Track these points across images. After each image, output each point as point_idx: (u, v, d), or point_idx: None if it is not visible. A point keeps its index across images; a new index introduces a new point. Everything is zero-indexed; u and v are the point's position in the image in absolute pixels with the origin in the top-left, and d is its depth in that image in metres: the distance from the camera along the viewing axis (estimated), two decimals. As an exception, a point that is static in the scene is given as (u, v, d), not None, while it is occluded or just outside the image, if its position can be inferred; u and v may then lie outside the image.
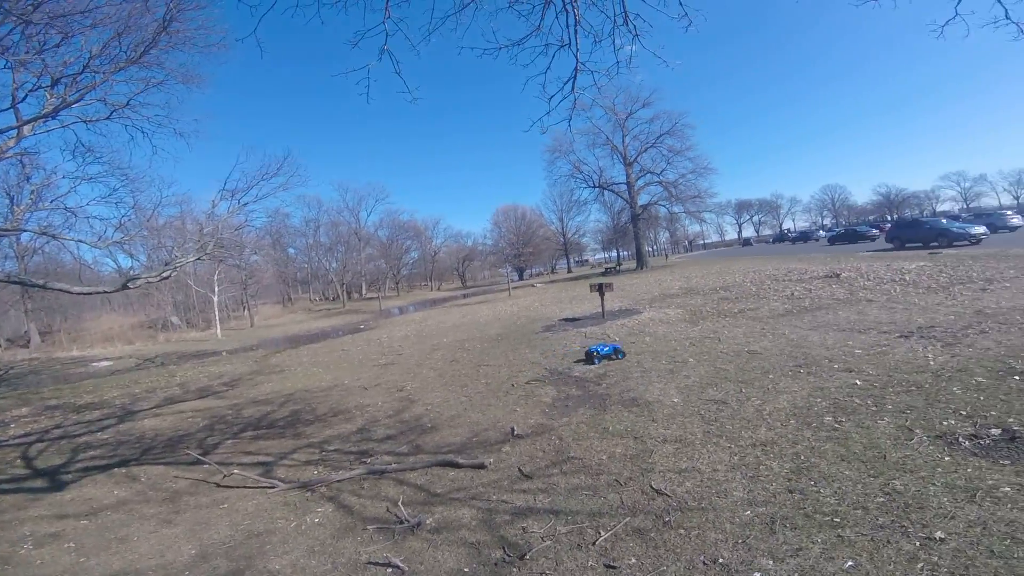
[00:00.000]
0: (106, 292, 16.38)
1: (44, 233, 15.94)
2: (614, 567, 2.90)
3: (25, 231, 15.96)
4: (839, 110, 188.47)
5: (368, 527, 3.86)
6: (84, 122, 14.38)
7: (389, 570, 3.24)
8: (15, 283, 24.66)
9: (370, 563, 3.35)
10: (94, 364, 21.85)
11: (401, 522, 3.85)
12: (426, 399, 7.74)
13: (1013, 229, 30.33)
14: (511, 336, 13.03)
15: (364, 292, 67.44)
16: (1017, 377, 4.83)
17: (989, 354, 5.69)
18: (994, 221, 31.47)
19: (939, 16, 4.55)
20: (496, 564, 3.13)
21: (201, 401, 10.25)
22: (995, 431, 3.79)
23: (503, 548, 3.27)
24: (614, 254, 72.66)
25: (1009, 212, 36.74)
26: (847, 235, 40.73)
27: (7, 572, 3.91)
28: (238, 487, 5.10)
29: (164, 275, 16.10)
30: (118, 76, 12.84)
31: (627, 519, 3.39)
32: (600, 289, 13.68)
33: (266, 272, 49.24)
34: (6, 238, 27.20)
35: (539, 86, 4.64)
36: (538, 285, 42.12)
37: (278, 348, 20.67)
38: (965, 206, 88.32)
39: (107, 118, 14.27)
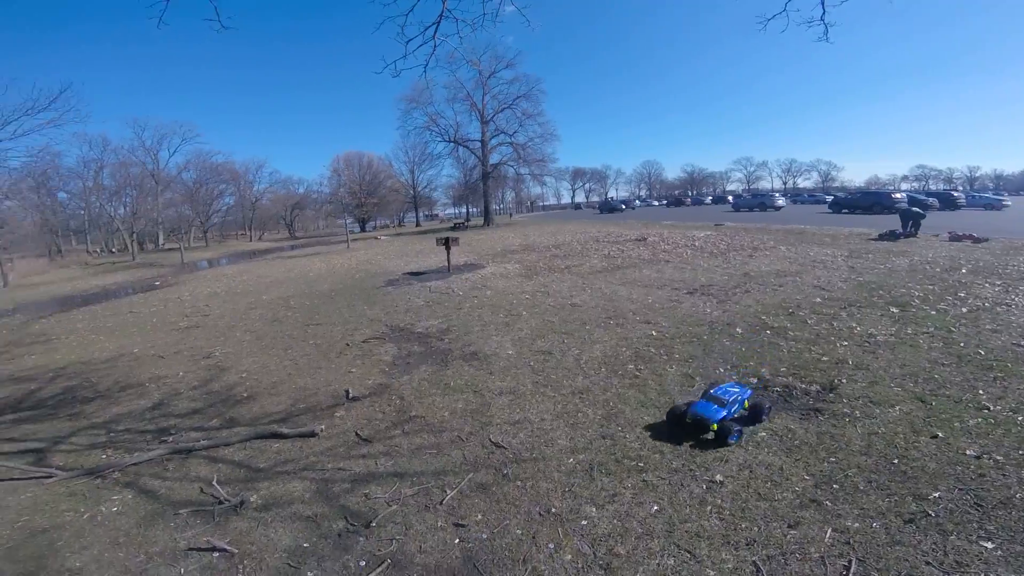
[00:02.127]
0: None
1: None
2: (462, 525, 3.03)
3: None
4: (664, 98, 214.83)
5: (180, 511, 3.42)
6: None
7: (216, 554, 2.96)
8: None
9: (191, 549, 3.02)
10: None
11: (220, 502, 3.50)
12: (240, 366, 6.97)
13: (778, 208, 39.66)
14: (347, 292, 12.36)
15: (161, 243, 57.39)
16: (768, 332, 6.32)
17: (749, 311, 7.31)
18: (764, 201, 41.23)
19: (769, 11, 5.31)
20: (340, 535, 3.05)
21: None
22: (753, 380, 4.93)
23: (345, 518, 3.20)
24: (463, 210, 73.40)
25: (776, 194, 48.70)
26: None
27: None
28: (4, 480, 4.10)
29: None
30: None
31: (470, 475, 3.58)
32: (447, 243, 13.82)
33: (25, 220, 38.21)
34: None
35: (398, 27, 4.32)
36: (382, 238, 40.63)
37: (42, 313, 16.27)
38: (747, 187, 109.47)
39: None
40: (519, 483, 3.44)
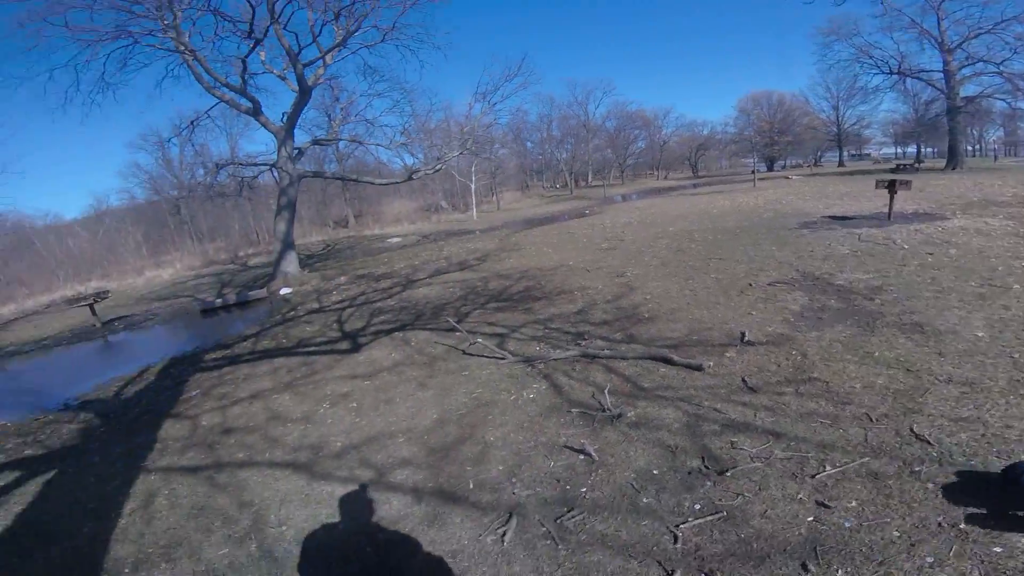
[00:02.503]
0: (396, 183, 20.71)
1: (353, 140, 20.63)
2: (826, 506, 2.60)
3: (340, 140, 20.91)
4: None
5: (572, 410, 4.19)
6: (365, 47, 17.54)
7: (581, 456, 3.49)
8: (339, 179, 32.96)
9: (566, 446, 3.64)
10: (388, 240, 28.21)
11: (603, 410, 4.09)
12: (646, 288, 7.69)
13: None
14: (753, 230, 11.54)
15: (590, 180, 70.67)
16: None
17: None
18: None
19: None
20: (690, 473, 3.10)
21: (460, 273, 12.21)
22: None
23: (702, 458, 3.21)
24: (912, 150, 56.76)
25: None
26: None
27: (308, 430, 4.71)
28: (479, 356, 5.95)
29: (436, 168, 19.33)
30: (383, 2, 15.38)
31: (865, 459, 2.91)
32: (891, 186, 10.77)
33: (509, 163, 54.95)
34: (330, 146, 36.19)
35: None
36: (794, 178, 36.05)
37: (517, 229, 22.98)
38: None
39: (381, 41, 17.15)
40: (930, 486, 2.56)
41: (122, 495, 4.00)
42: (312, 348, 7.54)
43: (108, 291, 20.12)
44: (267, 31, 14.23)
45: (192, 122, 17.53)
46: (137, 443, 5.04)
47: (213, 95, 15.56)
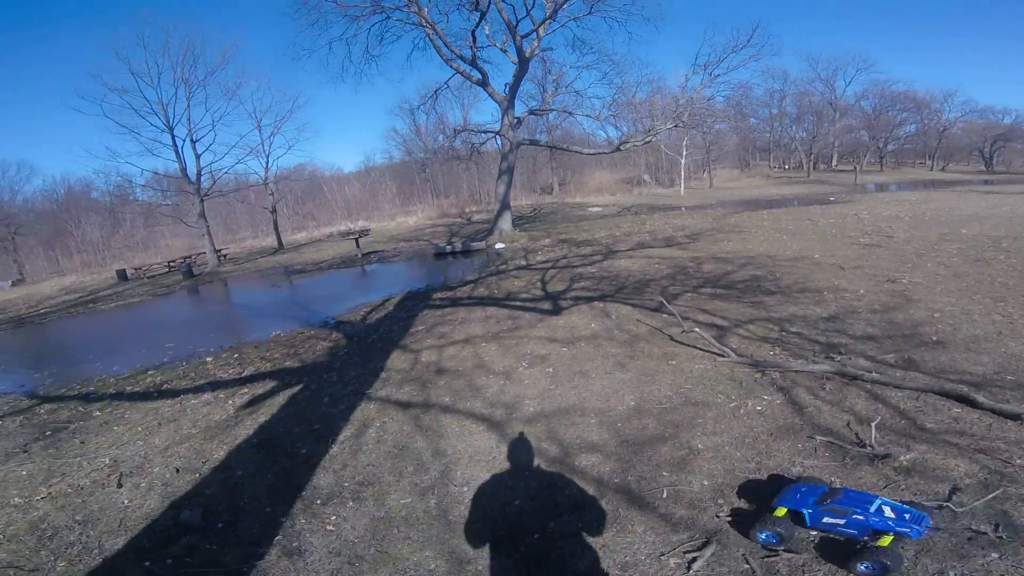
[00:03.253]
0: (604, 152, 20.32)
1: (563, 111, 20.75)
2: None
3: (552, 110, 21.23)
4: None
5: (816, 436, 3.31)
6: (573, 19, 17.22)
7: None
8: (551, 147, 33.89)
9: (802, 478, 2.82)
10: (589, 209, 28.10)
11: (862, 445, 3.13)
12: (932, 302, 5.84)
13: None
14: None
15: (834, 163, 59.47)
16: None
17: None
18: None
19: None
20: (970, 539, 2.22)
21: (666, 249, 11.33)
22: None
23: (996, 525, 2.30)
24: None
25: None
26: None
27: (506, 386, 4.70)
28: (689, 345, 5.24)
29: (647, 139, 18.28)
30: None
31: None
32: None
33: (728, 139, 49.65)
34: (541, 117, 37.38)
35: None
36: None
37: (736, 209, 20.45)
38: None
39: (587, 13, 16.64)
40: None
41: (343, 420, 4.45)
42: (518, 303, 7.80)
43: (369, 230, 24.50)
44: (489, 3, 14.86)
45: (435, 92, 19.61)
46: (369, 368, 5.74)
47: (450, 66, 17.20)
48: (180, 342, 8.54)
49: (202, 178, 22.48)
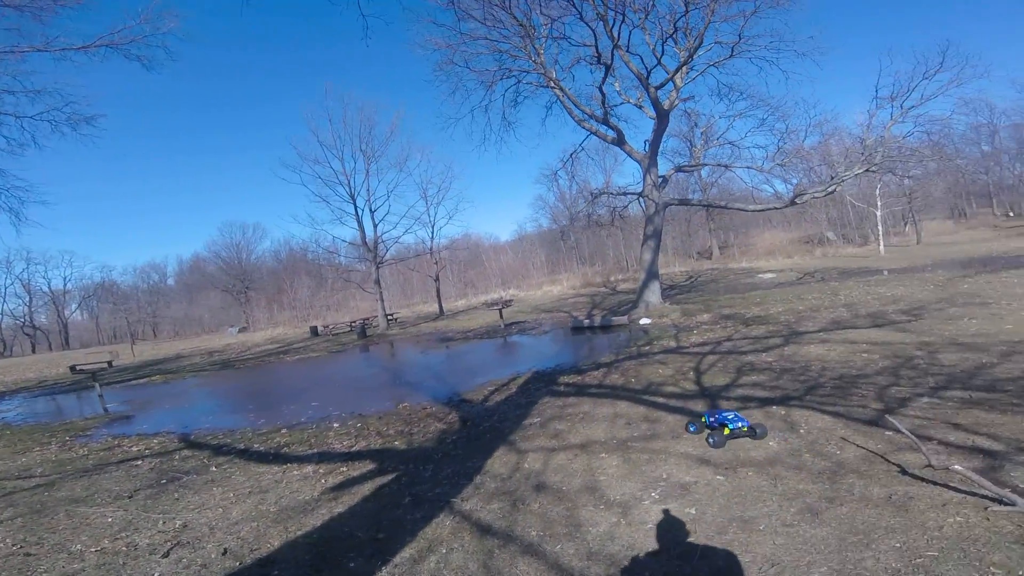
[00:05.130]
0: (776, 208, 17.48)
1: (718, 165, 18.66)
2: None
3: (703, 166, 19.27)
4: None
5: None
6: (713, 65, 15.55)
7: None
8: (706, 206, 31.29)
9: None
10: (759, 275, 24.43)
11: None
12: None
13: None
14: None
15: None
16: None
17: None
18: None
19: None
20: None
21: (875, 331, 8.46)
22: None
23: None
24: None
25: None
26: None
27: (618, 529, 3.26)
28: (934, 483, 3.21)
29: (829, 190, 15.20)
30: (715, 17, 13.12)
31: None
32: None
33: (935, 185, 40.69)
34: (693, 174, 34.88)
35: None
36: None
37: (964, 272, 15.56)
38: None
39: (728, 58, 14.85)
40: None
41: (410, 534, 3.50)
42: (660, 400, 6.06)
43: (511, 300, 24.68)
44: (612, 55, 13.95)
45: (571, 155, 19.27)
46: (466, 467, 4.72)
47: (583, 127, 16.63)
48: (324, 401, 8.73)
49: (378, 246, 25.17)
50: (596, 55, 14.12)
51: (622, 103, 17.05)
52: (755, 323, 10.94)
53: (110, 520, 4.23)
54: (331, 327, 26.61)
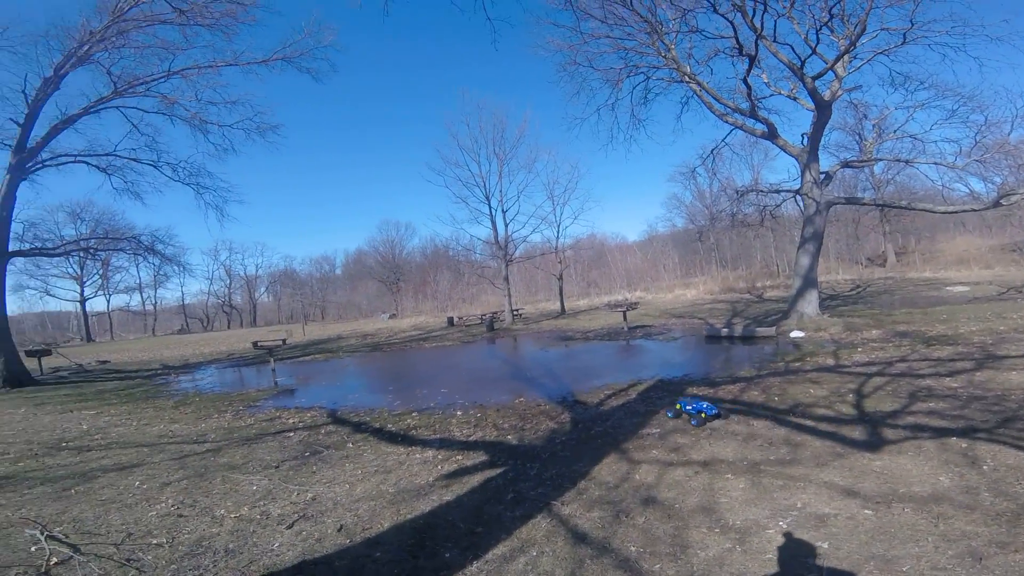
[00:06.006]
0: (974, 210, 14.21)
1: (896, 160, 15.66)
2: None
3: (877, 160, 16.33)
4: None
5: None
6: (881, 53, 13.05)
7: None
8: (881, 206, 26.54)
9: None
10: (947, 289, 20.08)
11: None
12: None
13: None
14: None
15: None
16: None
17: None
18: None
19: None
20: None
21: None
22: None
23: None
24: None
25: None
26: None
27: (730, 555, 2.92)
28: None
29: None
30: (878, 1, 11.36)
31: None
32: None
33: None
34: (862, 170, 29.65)
35: None
36: None
37: None
38: None
39: (901, 44, 12.67)
40: None
41: (506, 532, 3.46)
42: (807, 422, 5.30)
43: (637, 303, 23.79)
44: (756, 46, 12.21)
45: (712, 151, 17.67)
46: (572, 469, 4.60)
47: (725, 122, 15.04)
48: (452, 388, 9.33)
49: (508, 244, 26.15)
50: (736, 47, 12.78)
51: (771, 95, 15.23)
52: (939, 343, 9.04)
53: (255, 488, 4.65)
54: (465, 318, 28.42)
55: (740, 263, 44.87)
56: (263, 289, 71.98)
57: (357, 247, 77.95)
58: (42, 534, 3.51)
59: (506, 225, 25.94)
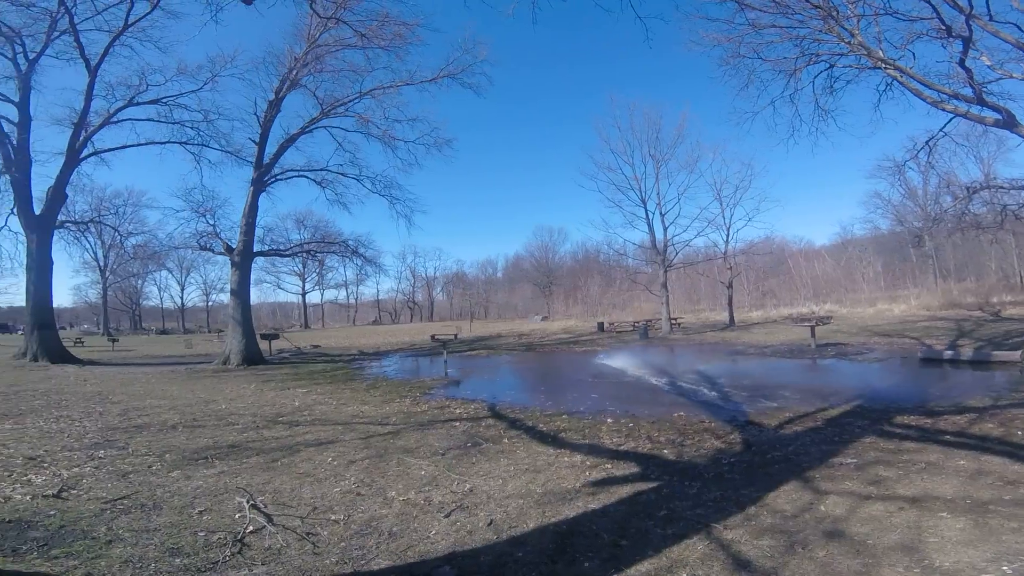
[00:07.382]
0: None
1: None
2: None
3: None
4: None
5: None
6: None
7: None
8: None
9: None
10: None
11: None
12: None
13: None
14: None
15: None
16: None
17: None
18: None
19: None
20: None
21: None
22: None
23: None
24: None
25: None
26: None
27: None
28: None
29: None
30: None
31: None
32: None
33: None
34: None
35: None
36: None
37: None
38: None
39: None
40: None
41: (654, 549, 3.02)
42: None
43: (830, 317, 20.14)
44: (969, 26, 8.96)
45: (927, 142, 13.84)
46: (742, 493, 3.90)
47: (942, 110, 11.59)
48: (601, 395, 9.02)
49: (667, 249, 24.54)
50: (942, 28, 9.96)
51: (999, 79, 11.50)
52: None
53: (423, 473, 4.75)
54: (616, 325, 27.57)
55: (967, 273, 35.21)
56: (439, 288, 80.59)
57: (515, 252, 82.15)
58: (248, 503, 3.88)
59: (664, 229, 24.44)
